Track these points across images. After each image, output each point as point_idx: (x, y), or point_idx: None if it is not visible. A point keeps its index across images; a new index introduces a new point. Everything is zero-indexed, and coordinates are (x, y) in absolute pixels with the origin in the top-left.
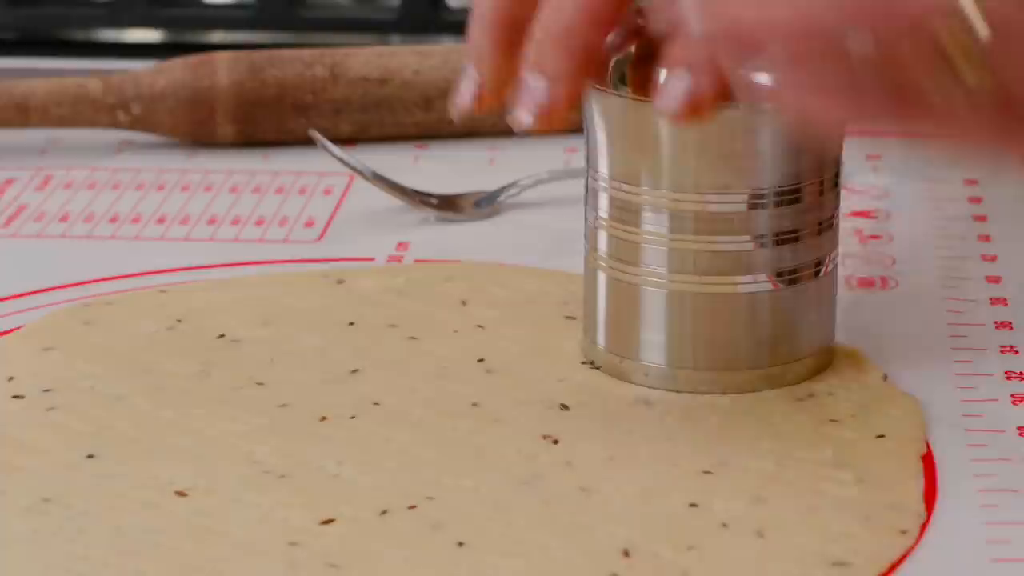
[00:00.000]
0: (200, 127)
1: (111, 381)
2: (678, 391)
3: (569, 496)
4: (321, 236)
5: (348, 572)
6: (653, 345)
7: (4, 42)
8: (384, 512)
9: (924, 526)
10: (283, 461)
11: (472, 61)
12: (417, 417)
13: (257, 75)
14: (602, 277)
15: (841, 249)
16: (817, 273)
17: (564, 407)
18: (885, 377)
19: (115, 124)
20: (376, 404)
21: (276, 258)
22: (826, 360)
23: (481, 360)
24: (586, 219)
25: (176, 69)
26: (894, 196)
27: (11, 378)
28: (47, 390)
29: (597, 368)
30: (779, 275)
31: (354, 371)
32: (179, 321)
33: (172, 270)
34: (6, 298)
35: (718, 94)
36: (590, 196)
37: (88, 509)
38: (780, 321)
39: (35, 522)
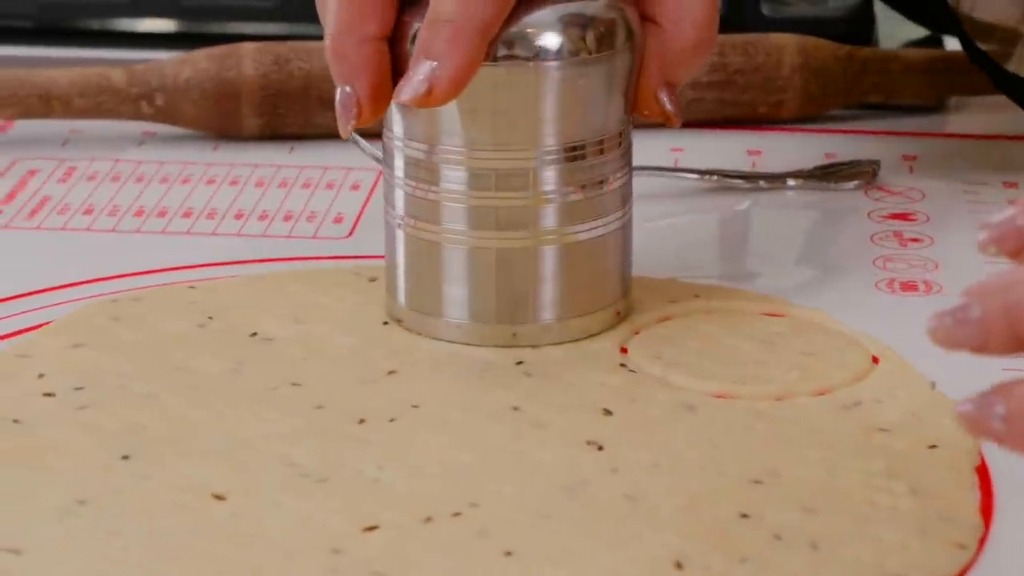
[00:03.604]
0: (225, 119)
1: (143, 379)
2: (479, 345)
3: (616, 504)
4: (351, 232)
5: None
6: (455, 301)
7: (22, 31)
8: (428, 519)
9: (982, 540)
10: (322, 464)
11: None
12: (457, 421)
13: (283, 67)
14: (400, 235)
15: (881, 253)
16: (608, 227)
17: (607, 412)
18: (933, 385)
19: (138, 115)
20: (415, 407)
21: (306, 254)
22: (623, 313)
23: (520, 363)
24: (385, 177)
25: (201, 60)
26: (931, 198)
27: (41, 375)
28: (78, 388)
29: (399, 323)
30: (571, 228)
31: (391, 372)
32: (210, 318)
33: (200, 265)
34: (33, 292)
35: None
36: (387, 155)
37: (123, 511)
38: (573, 274)
39: (69, 524)
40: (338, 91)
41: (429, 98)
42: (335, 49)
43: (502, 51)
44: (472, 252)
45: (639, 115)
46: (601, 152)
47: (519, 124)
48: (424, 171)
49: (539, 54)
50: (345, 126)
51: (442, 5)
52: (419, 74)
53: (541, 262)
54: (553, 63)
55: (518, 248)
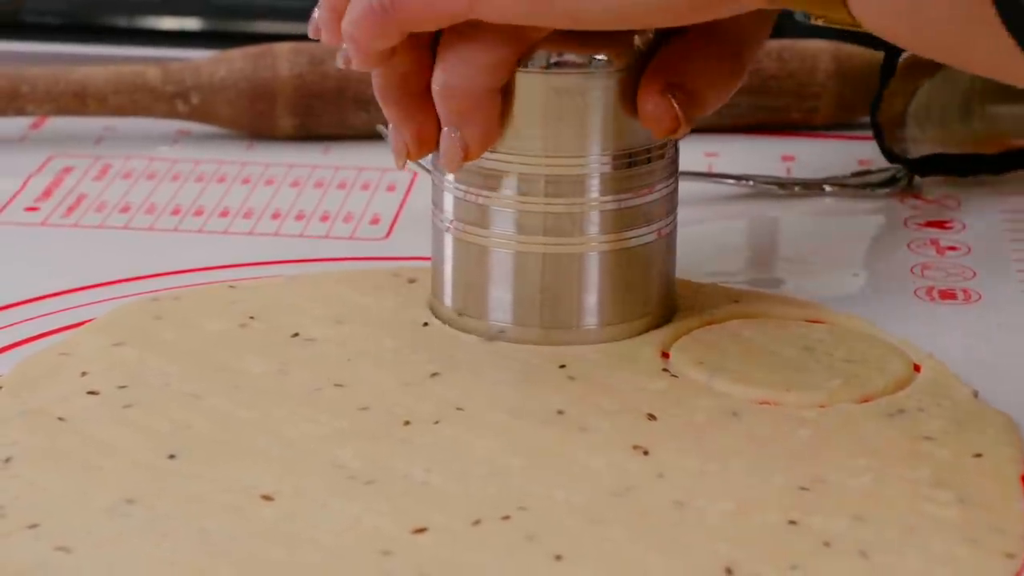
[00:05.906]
0: (259, 119)
1: (186, 379)
2: (522, 343)
3: (664, 510)
4: (388, 234)
5: None
6: (500, 304)
7: (52, 27)
8: (477, 522)
9: None
10: (368, 466)
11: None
12: (502, 424)
13: (318, 67)
14: (448, 238)
15: (918, 260)
16: (654, 234)
17: (651, 417)
18: (976, 393)
19: (173, 114)
20: (459, 409)
21: (343, 255)
22: (666, 319)
23: (562, 366)
24: (434, 181)
25: (236, 59)
26: (967, 206)
27: (84, 373)
28: (122, 386)
29: (442, 323)
30: (618, 235)
31: (434, 374)
32: (251, 318)
33: (239, 265)
34: (73, 290)
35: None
36: (435, 159)
37: (172, 511)
38: (618, 280)
39: (118, 523)
40: (391, 131)
41: (467, 160)
42: (384, 99)
43: (552, 59)
44: (519, 257)
45: (644, 123)
46: (649, 160)
47: (568, 131)
48: (473, 176)
49: (589, 62)
50: (398, 161)
51: (439, 74)
52: (450, 146)
53: (587, 268)
54: (603, 71)
55: (564, 254)
